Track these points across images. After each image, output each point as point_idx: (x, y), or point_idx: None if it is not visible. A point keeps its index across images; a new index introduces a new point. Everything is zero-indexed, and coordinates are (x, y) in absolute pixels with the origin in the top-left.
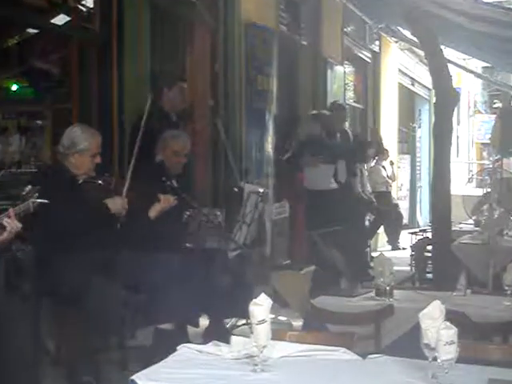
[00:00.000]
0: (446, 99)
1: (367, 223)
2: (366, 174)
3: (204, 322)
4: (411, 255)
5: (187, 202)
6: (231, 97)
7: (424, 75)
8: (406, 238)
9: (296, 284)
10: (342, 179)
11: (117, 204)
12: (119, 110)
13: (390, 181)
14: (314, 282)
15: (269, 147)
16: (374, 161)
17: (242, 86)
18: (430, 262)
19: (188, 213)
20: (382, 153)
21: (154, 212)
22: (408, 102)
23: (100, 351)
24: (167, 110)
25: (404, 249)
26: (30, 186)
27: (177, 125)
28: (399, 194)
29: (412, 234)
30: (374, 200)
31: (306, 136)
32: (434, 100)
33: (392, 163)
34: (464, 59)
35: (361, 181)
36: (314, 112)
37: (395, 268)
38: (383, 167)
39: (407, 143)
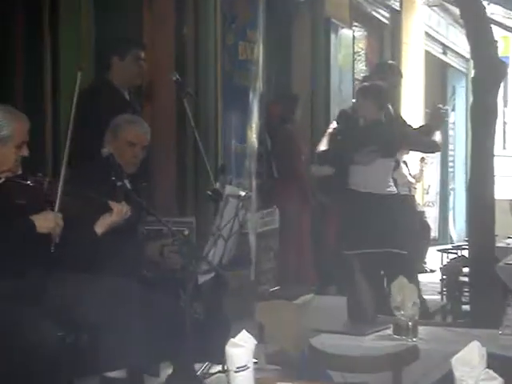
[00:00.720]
0: (489, 72)
1: None
2: None
3: (167, 368)
4: (442, 280)
5: (146, 212)
6: (203, 69)
7: (460, 40)
8: (435, 257)
9: (289, 318)
10: (403, 179)
11: (48, 221)
12: (54, 89)
13: (414, 181)
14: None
15: (253, 136)
16: None
17: (217, 55)
18: (466, 290)
19: (145, 231)
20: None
21: (101, 226)
22: (438, 76)
23: None
24: (118, 85)
25: (432, 271)
26: None
27: (131, 106)
28: (426, 198)
29: (443, 251)
30: None
31: (349, 120)
32: (472, 74)
33: (423, 160)
34: None
35: None
36: (367, 84)
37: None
38: (404, 163)
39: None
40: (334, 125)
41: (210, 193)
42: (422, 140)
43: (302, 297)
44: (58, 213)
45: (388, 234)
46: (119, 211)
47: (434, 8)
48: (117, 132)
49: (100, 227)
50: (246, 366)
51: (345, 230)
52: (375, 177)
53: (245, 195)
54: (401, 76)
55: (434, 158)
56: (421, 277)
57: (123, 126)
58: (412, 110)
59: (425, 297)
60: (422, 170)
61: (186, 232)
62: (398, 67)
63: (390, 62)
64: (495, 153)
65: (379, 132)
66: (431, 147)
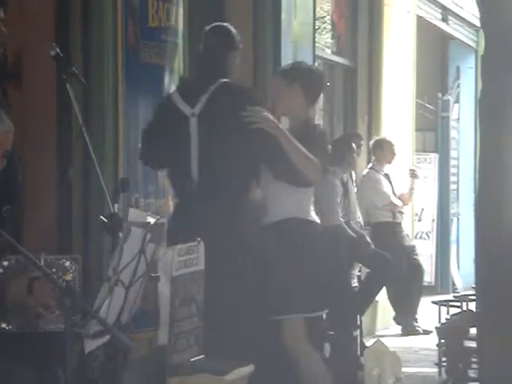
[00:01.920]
0: (506, 47)
1: (355, 282)
2: (355, 189)
3: None
4: (439, 345)
5: (7, 246)
6: (96, 40)
7: (466, 2)
8: (431, 312)
9: None
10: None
11: None
12: None
13: (401, 203)
14: None
15: None
16: (369, 166)
17: (117, 19)
18: (474, 360)
19: (6, 263)
20: (382, 150)
21: None
22: (436, 52)
23: None
24: None
25: (427, 333)
26: None
27: None
28: (418, 227)
29: (441, 304)
30: (369, 239)
31: None
32: (482, 49)
33: (414, 173)
34: None
35: (344, 202)
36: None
37: (407, 369)
38: (386, 177)
39: (434, 131)
40: None
41: (104, 219)
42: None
43: (237, 370)
44: None
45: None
46: None
47: None
48: None
49: None
50: None
51: None
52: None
53: (155, 222)
54: None
55: (430, 171)
56: (409, 340)
57: None
58: (397, 101)
59: (415, 369)
60: (412, 188)
61: (68, 277)
62: None
63: None
64: None
65: None
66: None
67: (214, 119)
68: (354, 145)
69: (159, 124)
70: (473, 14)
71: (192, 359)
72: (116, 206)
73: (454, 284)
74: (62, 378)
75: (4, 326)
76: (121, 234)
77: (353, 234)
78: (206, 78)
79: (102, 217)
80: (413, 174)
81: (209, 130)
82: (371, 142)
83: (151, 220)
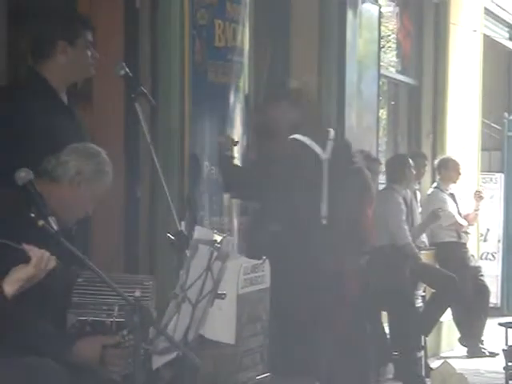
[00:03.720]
0: None
1: (419, 303)
2: (419, 209)
3: None
4: (506, 368)
5: (81, 265)
6: (164, 61)
7: None
8: (497, 334)
9: None
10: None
11: None
12: None
13: (466, 223)
14: None
15: (235, 153)
16: (434, 185)
17: (184, 39)
18: None
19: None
20: (447, 169)
21: (12, 283)
22: (502, 71)
23: None
24: (55, 84)
25: (493, 355)
26: None
27: (70, 112)
28: (483, 248)
29: (508, 325)
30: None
31: None
32: None
33: (479, 194)
34: None
35: (408, 221)
36: None
37: None
38: (451, 196)
39: (500, 151)
40: None
41: (171, 237)
42: None
43: None
44: None
45: None
46: (39, 260)
47: None
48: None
49: (10, 284)
50: None
51: None
52: None
53: (222, 240)
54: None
55: (496, 191)
56: (476, 362)
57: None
58: (462, 120)
59: None
60: (477, 209)
61: (138, 293)
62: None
63: None
64: None
65: None
66: None
67: (337, 163)
68: (411, 161)
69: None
70: None
71: (258, 377)
72: (182, 223)
73: None
74: None
75: None
76: (187, 252)
77: (419, 254)
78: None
79: (168, 234)
80: (478, 196)
81: (333, 172)
82: (436, 161)
83: (218, 237)
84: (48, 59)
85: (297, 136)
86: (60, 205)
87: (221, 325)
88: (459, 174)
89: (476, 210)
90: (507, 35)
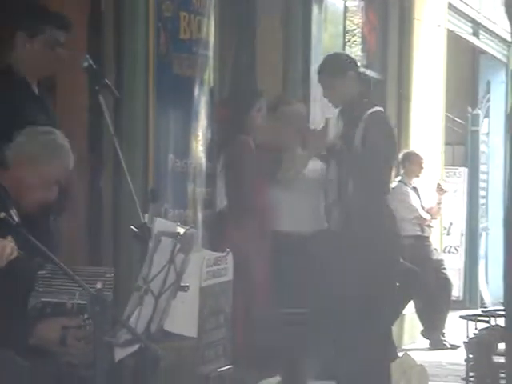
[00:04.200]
0: None
1: None
2: None
3: None
4: (467, 360)
5: (40, 257)
6: (129, 52)
7: (497, 16)
8: (459, 327)
9: None
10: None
11: None
12: None
13: (429, 217)
14: None
15: (199, 149)
16: (397, 179)
17: (149, 31)
18: (502, 375)
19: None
20: (410, 163)
21: None
22: (466, 67)
23: None
24: (27, 75)
25: (454, 347)
26: None
27: (42, 103)
28: (446, 241)
29: (469, 318)
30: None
31: None
32: None
33: (440, 187)
34: None
35: None
36: None
37: None
38: (414, 190)
39: (463, 145)
40: None
41: (135, 229)
42: None
43: (264, 381)
44: None
45: None
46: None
47: None
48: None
49: None
50: None
51: None
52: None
53: (185, 233)
54: None
55: (459, 185)
56: (436, 354)
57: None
58: (425, 114)
59: None
60: (440, 202)
61: (99, 285)
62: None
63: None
64: None
65: None
66: None
67: None
68: None
69: None
70: (504, 28)
71: (219, 369)
72: (146, 216)
73: (482, 299)
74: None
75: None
76: (150, 244)
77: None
78: None
79: (132, 226)
80: (440, 189)
81: None
82: (400, 155)
83: (181, 230)
84: (13, 50)
85: None
86: (17, 189)
87: (183, 318)
88: (422, 167)
89: (439, 204)
90: (471, 30)
